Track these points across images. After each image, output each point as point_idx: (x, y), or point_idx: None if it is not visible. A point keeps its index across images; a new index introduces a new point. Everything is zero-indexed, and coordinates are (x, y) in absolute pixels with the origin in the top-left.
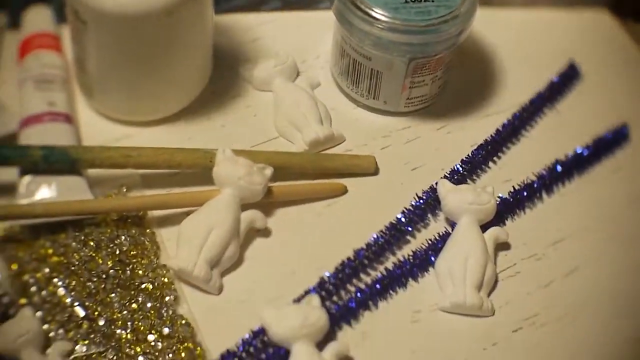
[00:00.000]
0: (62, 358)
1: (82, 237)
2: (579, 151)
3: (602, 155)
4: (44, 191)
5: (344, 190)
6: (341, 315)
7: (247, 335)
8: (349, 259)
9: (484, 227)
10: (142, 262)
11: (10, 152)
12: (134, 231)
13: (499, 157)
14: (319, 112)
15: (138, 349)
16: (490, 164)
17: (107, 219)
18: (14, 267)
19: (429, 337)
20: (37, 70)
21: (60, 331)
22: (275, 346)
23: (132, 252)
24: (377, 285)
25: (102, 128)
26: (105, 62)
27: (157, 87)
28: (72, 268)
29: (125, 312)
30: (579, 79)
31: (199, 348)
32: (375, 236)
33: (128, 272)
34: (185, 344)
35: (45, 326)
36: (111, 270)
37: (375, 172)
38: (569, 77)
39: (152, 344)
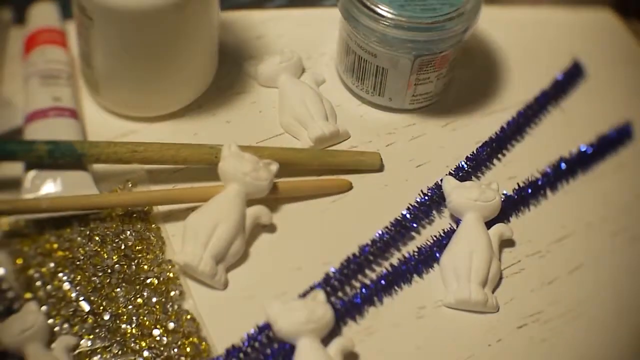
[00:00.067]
0: (67, 352)
1: (88, 232)
2: (583, 149)
3: (606, 153)
4: (49, 186)
5: (349, 187)
6: (346, 311)
7: (252, 331)
8: (354, 254)
9: (489, 224)
10: (148, 257)
11: (16, 146)
12: (139, 226)
13: (504, 155)
14: (325, 108)
15: (143, 344)
16: (495, 161)
17: (112, 214)
18: (19, 261)
19: (434, 333)
20: (42, 65)
21: (65, 326)
22: (281, 341)
23: (137, 247)
24: (382, 281)
25: (107, 124)
26: (111, 57)
27: (163, 83)
28: (77, 263)
29: (130, 306)
30: (584, 77)
31: (204, 343)
32: (380, 232)
33: (133, 267)
34: (191, 339)
35: (50, 321)
36: (116, 265)
37: (380, 168)
38: (573, 75)
39: (157, 338)
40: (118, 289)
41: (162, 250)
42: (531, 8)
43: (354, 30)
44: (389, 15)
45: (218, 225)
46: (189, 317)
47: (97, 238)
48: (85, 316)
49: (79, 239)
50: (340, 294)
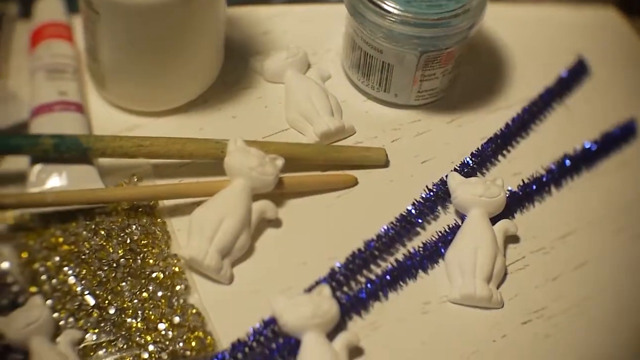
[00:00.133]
0: (72, 346)
1: (93, 226)
2: (587, 146)
3: (610, 151)
4: (55, 180)
5: (354, 182)
6: (351, 306)
7: (257, 325)
8: (359, 250)
9: (494, 220)
10: (153, 251)
11: (22, 140)
12: (144, 220)
13: (509, 151)
14: (330, 104)
15: (148, 338)
16: (500, 157)
17: (118, 208)
18: (24, 255)
19: (439, 329)
20: (48, 59)
21: (71, 320)
22: (286, 336)
23: (143, 241)
24: (387, 277)
25: (113, 118)
26: (117, 52)
27: (169, 78)
28: (83, 257)
29: (135, 301)
30: (588, 75)
31: (209, 337)
32: (385, 228)
33: (139, 261)
34: (196, 333)
35: (55, 314)
36: (122, 259)
37: (386, 164)
38: (577, 72)
39: (163, 332)
40: (123, 283)
41: (167, 245)
42: (536, 6)
43: (360, 26)
44: (395, 11)
45: (224, 219)
46: (194, 311)
47: (102, 232)
48: (91, 310)
49: (84, 233)
50: (345, 288)
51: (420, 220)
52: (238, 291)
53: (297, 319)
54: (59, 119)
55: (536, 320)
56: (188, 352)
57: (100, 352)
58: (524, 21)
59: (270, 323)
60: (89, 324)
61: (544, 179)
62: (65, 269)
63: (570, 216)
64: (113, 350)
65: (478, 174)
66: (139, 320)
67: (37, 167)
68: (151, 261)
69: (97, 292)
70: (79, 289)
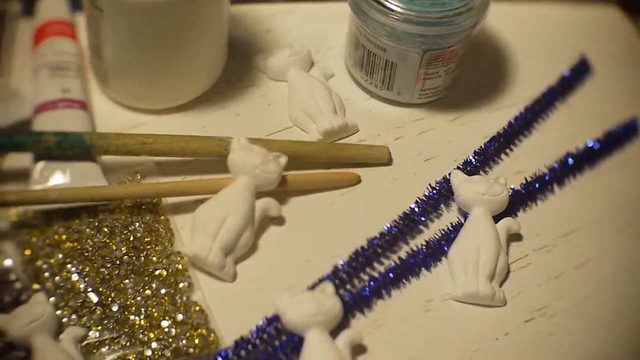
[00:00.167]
0: (75, 343)
1: (96, 223)
2: (589, 144)
3: (613, 149)
4: (58, 177)
5: (357, 180)
6: (354, 304)
7: (261, 322)
8: (362, 247)
9: (497, 218)
10: (156, 248)
11: (25, 138)
12: (148, 218)
13: (511, 149)
14: (333, 102)
15: (152, 335)
16: (503, 155)
17: (121, 205)
18: (27, 252)
19: (442, 327)
20: (51, 57)
21: (74, 317)
22: (289, 333)
23: (146, 239)
24: (390, 274)
25: (116, 116)
26: (121, 49)
27: (172, 75)
28: (86, 254)
29: (139, 298)
30: (590, 73)
31: (212, 334)
32: (388, 225)
33: (142, 258)
34: (199, 331)
35: (58, 312)
36: (125, 257)
37: (389, 162)
38: (580, 71)
39: (166, 330)
40: (127, 281)
41: (170, 242)
42: (538, 4)
43: (364, 24)
44: (399, 10)
45: (227, 217)
46: (197, 308)
47: (105, 229)
48: (94, 307)
49: (87, 230)
50: (348, 286)
51: (423, 219)
52: (241, 289)
53: (300, 317)
54: (63, 117)
55: (539, 318)
56: (191, 350)
57: (104, 350)
58: (526, 20)
59: (274, 320)
60: (92, 321)
61: (547, 178)
62: (69, 266)
63: (573, 214)
64: (116, 348)
65: (481, 172)
66: (142, 317)
67: (40, 165)
68: (154, 258)
69: (100, 289)
70: (82, 286)
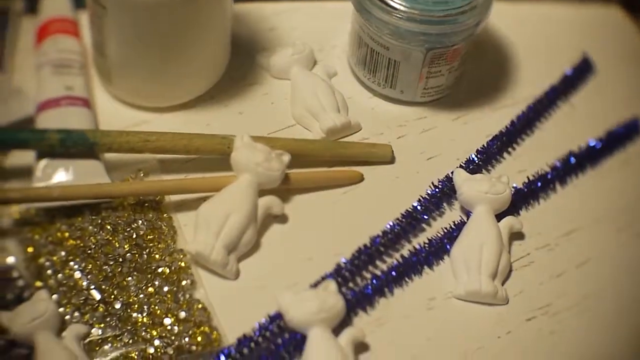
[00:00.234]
0: (77, 341)
1: (99, 221)
2: (591, 144)
3: (614, 149)
4: (61, 175)
5: (360, 178)
6: (357, 302)
7: (263, 320)
8: (365, 245)
9: (499, 217)
10: (159, 246)
11: (28, 135)
12: (151, 215)
13: (514, 148)
14: (336, 100)
15: (154, 333)
16: (505, 154)
17: (124, 203)
18: (30, 250)
19: (444, 325)
20: (54, 55)
21: (76, 314)
22: (292, 331)
23: (149, 236)
24: (393, 273)
25: (119, 113)
26: (124, 47)
27: (175, 73)
28: (89, 251)
29: (141, 295)
30: (593, 73)
31: (215, 332)
32: (391, 224)
33: (145, 256)
34: (202, 328)
35: (61, 309)
36: (128, 254)
37: (392, 160)
38: (582, 71)
39: (169, 327)
40: (129, 278)
41: (173, 240)
42: (541, 4)
43: (367, 22)
44: (402, 8)
45: (230, 215)
46: (200, 306)
47: (108, 227)
48: (96, 305)
49: (90, 227)
50: (351, 284)
51: (425, 217)
52: (244, 286)
53: (303, 314)
54: (66, 114)
55: (541, 316)
56: (194, 347)
57: (106, 347)
58: (529, 19)
59: (276, 318)
60: (94, 319)
61: (549, 177)
62: (71, 263)
63: (575, 213)
64: (119, 345)
65: (483, 170)
66: (144, 315)
67: (43, 162)
68: (157, 256)
69: (103, 286)
70: (84, 283)
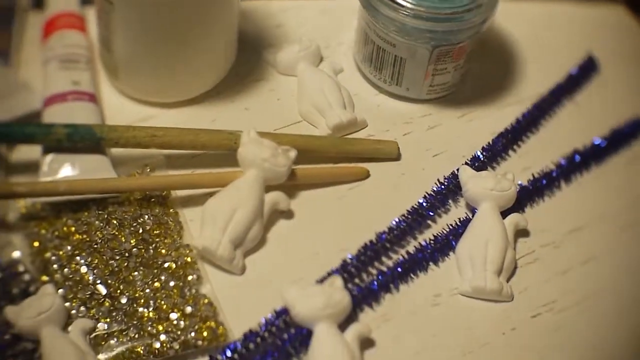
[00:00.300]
0: (83, 336)
1: (106, 216)
2: (596, 142)
3: (619, 147)
4: (67, 169)
5: (366, 175)
6: (363, 298)
7: (269, 315)
8: (371, 241)
9: (504, 214)
10: (165, 241)
11: (35, 129)
12: (157, 210)
13: (519, 146)
14: (342, 97)
15: (160, 328)
16: (510, 152)
17: (130, 197)
18: (36, 244)
19: (449, 321)
20: (61, 49)
21: (82, 309)
22: (298, 326)
23: (155, 231)
24: (399, 269)
25: (125, 109)
26: (131, 42)
27: (182, 69)
28: (95, 246)
29: (147, 290)
30: (597, 72)
31: (221, 327)
32: (397, 220)
33: (151, 250)
34: (208, 323)
35: (67, 304)
36: (134, 249)
37: (398, 157)
38: (587, 69)
39: (175, 322)
40: (135, 273)
41: (179, 235)
42: (546, 3)
43: (373, 19)
44: (409, 5)
45: (237, 210)
46: (206, 301)
47: (115, 222)
48: (102, 299)
49: (96, 222)
50: (357, 280)
51: (431, 213)
52: (250, 281)
53: (309, 310)
54: (72, 109)
55: (545, 313)
56: (200, 342)
57: (112, 342)
58: (534, 18)
59: (282, 313)
60: (100, 313)
61: (554, 174)
62: (77, 258)
63: (580, 211)
64: (124, 340)
65: (489, 168)
66: (150, 309)
67: (50, 157)
68: (163, 251)
69: (109, 281)
70: (90, 278)
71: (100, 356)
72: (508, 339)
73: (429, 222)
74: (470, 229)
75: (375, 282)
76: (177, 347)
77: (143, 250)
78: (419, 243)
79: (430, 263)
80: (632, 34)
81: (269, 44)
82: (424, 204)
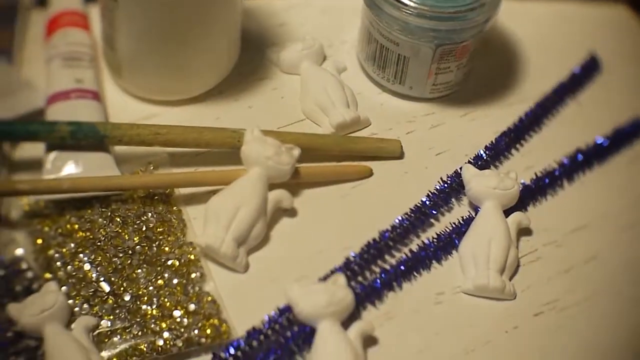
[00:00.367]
0: (86, 333)
1: (109, 213)
2: (599, 141)
3: (621, 146)
4: (71, 167)
5: (369, 173)
6: (366, 296)
7: (273, 313)
8: (374, 240)
9: (507, 212)
10: (169, 239)
11: (38, 127)
12: (160, 208)
13: (522, 145)
14: (346, 95)
15: (163, 325)
16: (513, 151)
17: (134, 195)
18: (39, 242)
19: (452, 319)
20: (64, 47)
21: (85, 306)
22: (301, 324)
23: (158, 229)
24: (402, 267)
25: (129, 107)
26: (135, 40)
27: (186, 67)
28: (98, 243)
29: (151, 288)
30: (600, 71)
31: (224, 325)
32: (400, 218)
33: (154, 248)
34: (211, 321)
35: (70, 301)
36: (137, 247)
37: (401, 156)
38: (590, 69)
39: (178, 320)
40: (139, 270)
41: (183, 233)
42: (549, 2)
43: (377, 18)
44: (412, 4)
45: (240, 208)
46: (209, 299)
47: (118, 219)
48: (106, 297)
49: (100, 220)
50: (360, 278)
51: (434, 212)
52: (253, 279)
53: (312, 308)
54: (75, 107)
55: (548, 312)
56: (203, 340)
57: (115, 339)
58: (537, 17)
59: (286, 311)
60: (103, 311)
61: (556, 173)
62: (81, 255)
63: (582, 210)
64: (128, 337)
65: (491, 167)
66: (154, 307)
67: (53, 155)
68: (167, 249)
69: (113, 279)
70: (94, 275)
71: (104, 353)
72: (510, 337)
73: (432, 220)
74: (473, 227)
75: (378, 280)
76: (181, 344)
77: (146, 248)
78: (422, 241)
79: (433, 261)
80: (634, 34)
81: (272, 42)
82: (427, 202)
